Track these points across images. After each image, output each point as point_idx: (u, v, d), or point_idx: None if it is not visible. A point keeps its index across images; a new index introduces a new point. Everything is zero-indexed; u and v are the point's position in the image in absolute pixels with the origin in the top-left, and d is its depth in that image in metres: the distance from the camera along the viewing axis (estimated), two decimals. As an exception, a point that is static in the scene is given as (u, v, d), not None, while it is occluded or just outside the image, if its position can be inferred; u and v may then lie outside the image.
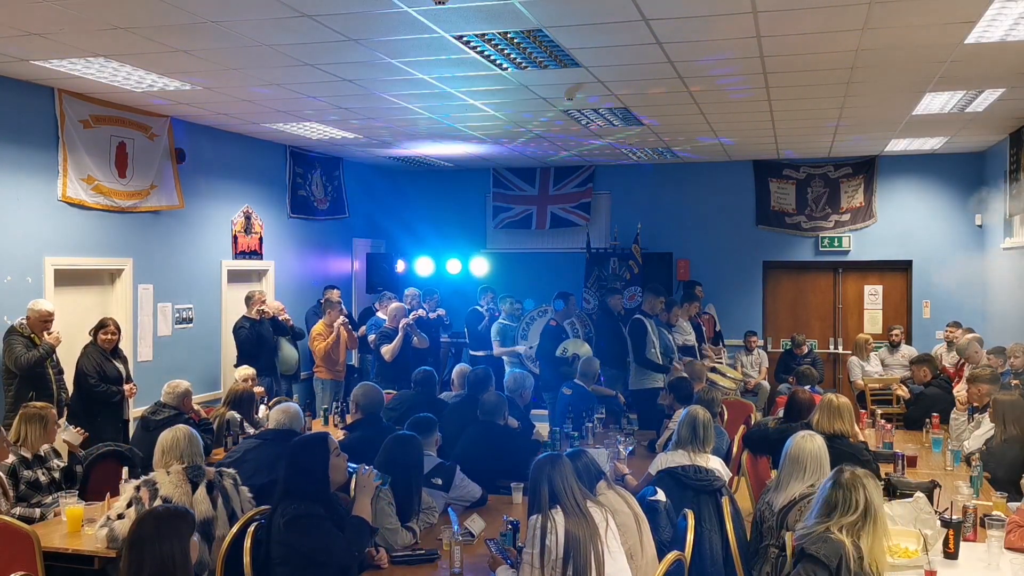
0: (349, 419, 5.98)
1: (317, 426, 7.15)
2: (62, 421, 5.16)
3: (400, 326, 8.40)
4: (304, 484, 3.73)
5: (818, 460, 4.04)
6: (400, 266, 11.45)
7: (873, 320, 11.25)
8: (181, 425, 4.48)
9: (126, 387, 6.69)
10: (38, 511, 4.67)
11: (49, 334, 6.27)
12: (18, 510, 4.60)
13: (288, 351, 8.93)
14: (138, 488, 4.10)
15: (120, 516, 4.08)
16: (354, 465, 4.08)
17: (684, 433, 4.74)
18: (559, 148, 10.13)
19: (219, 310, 8.95)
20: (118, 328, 6.75)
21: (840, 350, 11.27)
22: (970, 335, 8.61)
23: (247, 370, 7.12)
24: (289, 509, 3.63)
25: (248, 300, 8.43)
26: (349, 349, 9.01)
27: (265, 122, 8.43)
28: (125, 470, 4.90)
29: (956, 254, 10.71)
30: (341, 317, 8.81)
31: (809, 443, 4.08)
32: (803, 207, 11.20)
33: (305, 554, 3.59)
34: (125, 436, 6.68)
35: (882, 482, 4.34)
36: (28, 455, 4.85)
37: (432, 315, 9.82)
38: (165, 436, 4.27)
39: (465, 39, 5.40)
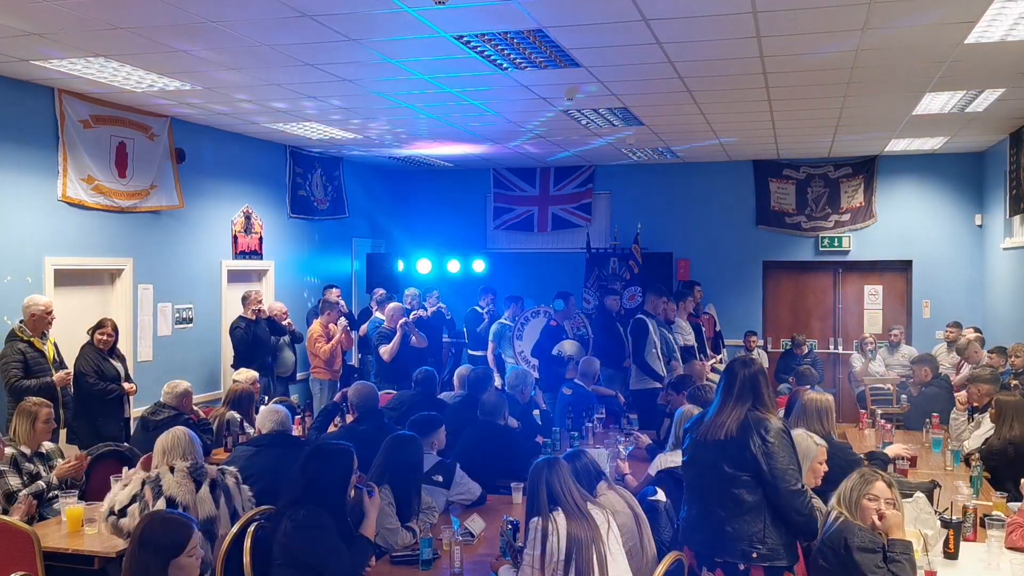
0: (349, 418, 5.98)
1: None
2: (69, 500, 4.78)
3: (398, 326, 8.39)
4: (323, 491, 3.73)
5: (805, 459, 4.04)
6: (400, 266, 11.45)
7: (873, 320, 11.25)
8: (179, 426, 4.48)
9: (126, 385, 6.69)
10: (42, 483, 4.73)
11: (64, 371, 6.26)
12: (23, 491, 4.64)
13: (287, 353, 8.94)
14: (143, 483, 4.09)
15: (123, 512, 4.07)
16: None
17: (682, 433, 4.73)
18: (559, 148, 10.13)
19: (219, 310, 8.95)
20: (115, 328, 6.73)
21: (840, 350, 11.27)
22: (973, 335, 8.60)
23: (251, 373, 7.11)
24: (299, 515, 3.61)
25: (244, 300, 8.43)
26: (345, 350, 9.02)
27: (265, 122, 8.43)
28: (125, 470, 4.89)
29: (956, 254, 10.71)
30: (342, 320, 8.82)
31: (803, 441, 4.06)
32: (803, 207, 11.20)
33: (306, 563, 3.59)
34: (127, 435, 6.67)
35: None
36: (27, 451, 4.86)
37: (432, 309, 9.81)
38: (164, 438, 4.26)
39: (465, 39, 5.40)
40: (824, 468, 4.08)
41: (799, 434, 4.11)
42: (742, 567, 3.47)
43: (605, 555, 3.36)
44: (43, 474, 4.85)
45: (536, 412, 7.10)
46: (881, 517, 3.37)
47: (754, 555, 3.44)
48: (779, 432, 3.47)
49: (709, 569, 3.60)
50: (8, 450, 4.76)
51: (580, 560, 3.31)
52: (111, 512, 4.11)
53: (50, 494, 4.79)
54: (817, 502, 3.76)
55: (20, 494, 4.62)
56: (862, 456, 4.93)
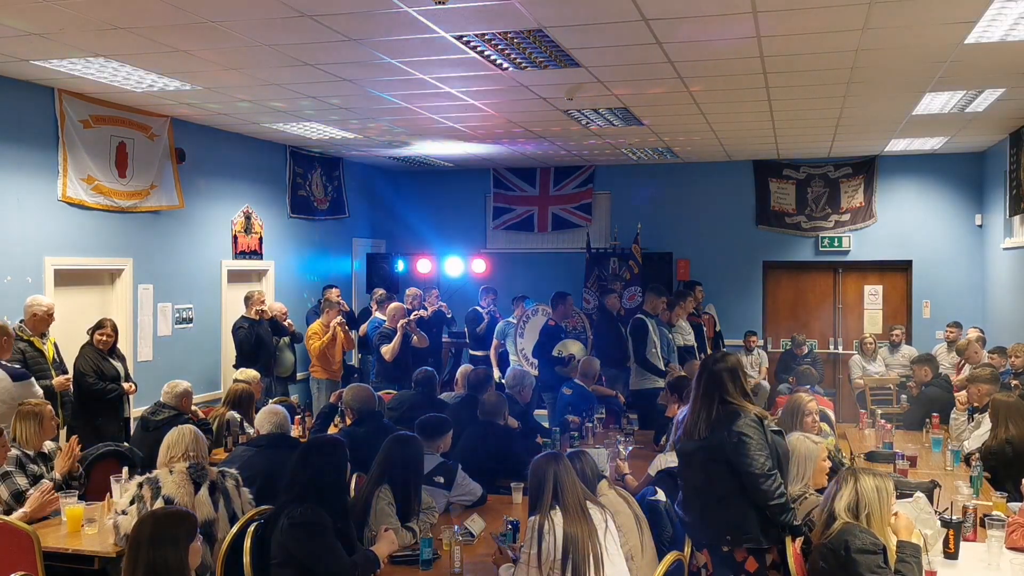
0: (348, 420, 5.98)
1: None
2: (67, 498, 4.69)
3: (399, 326, 8.39)
4: (326, 485, 3.74)
5: (809, 461, 4.04)
6: (400, 266, 11.45)
7: (873, 320, 11.25)
8: (188, 424, 4.51)
9: (126, 385, 6.69)
10: (47, 482, 4.69)
11: (64, 376, 6.29)
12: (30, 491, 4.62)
13: (286, 354, 8.95)
14: (141, 485, 4.11)
15: (123, 512, 4.08)
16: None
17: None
18: (559, 148, 10.13)
19: (219, 310, 8.95)
20: (115, 329, 6.73)
21: (840, 350, 11.27)
22: (975, 334, 8.60)
23: (254, 372, 7.10)
24: (296, 512, 3.62)
25: (247, 300, 8.43)
26: (346, 350, 9.01)
27: (265, 122, 8.43)
28: (125, 470, 4.90)
29: (956, 254, 10.71)
30: (338, 316, 8.81)
31: (801, 444, 4.07)
32: (803, 207, 11.20)
33: (302, 561, 3.59)
34: (126, 435, 6.68)
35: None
36: (30, 452, 4.86)
37: (432, 308, 9.81)
38: (171, 434, 4.30)
39: (465, 39, 5.40)
40: (828, 464, 4.11)
41: (796, 437, 4.11)
42: (725, 549, 3.73)
43: (601, 554, 3.36)
44: (46, 475, 4.85)
45: (543, 411, 7.08)
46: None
47: (728, 536, 3.68)
48: (747, 423, 3.66)
49: (698, 550, 3.87)
50: (12, 451, 4.76)
51: (576, 558, 3.31)
52: (115, 513, 4.13)
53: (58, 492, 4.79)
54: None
55: (29, 492, 4.60)
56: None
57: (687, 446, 3.86)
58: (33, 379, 5.81)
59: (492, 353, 9.93)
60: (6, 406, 5.35)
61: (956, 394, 6.86)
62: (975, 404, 6.27)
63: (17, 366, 5.80)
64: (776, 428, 3.86)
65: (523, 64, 6.02)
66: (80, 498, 4.62)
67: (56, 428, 5.18)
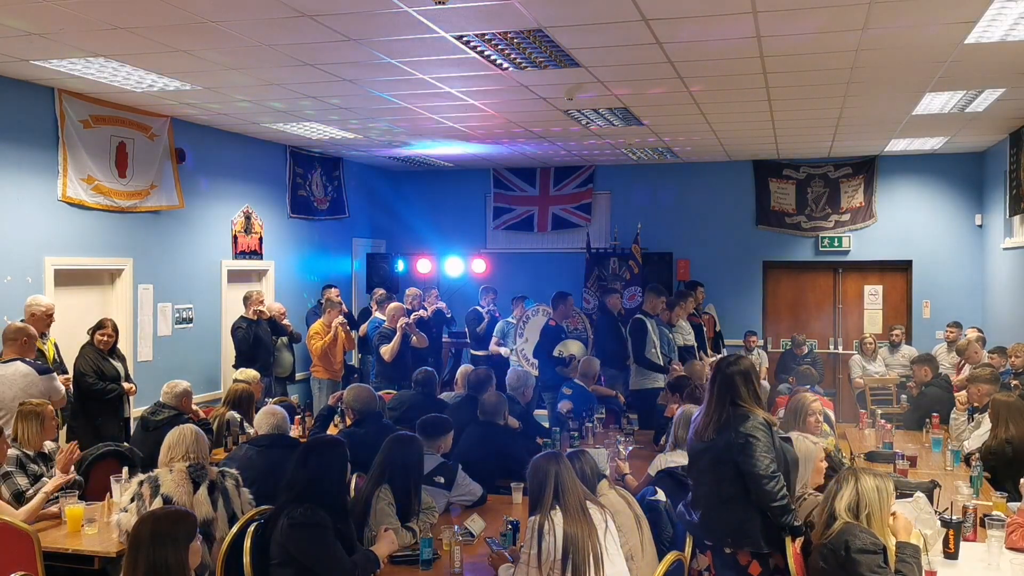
0: (348, 420, 5.98)
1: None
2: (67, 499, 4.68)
3: (398, 326, 8.39)
4: (325, 485, 3.74)
5: (807, 461, 4.05)
6: (400, 266, 11.44)
7: (873, 320, 11.25)
8: (189, 424, 4.51)
9: (126, 385, 6.69)
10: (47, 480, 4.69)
11: (65, 375, 6.28)
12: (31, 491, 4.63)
13: (285, 354, 8.95)
14: (141, 483, 4.12)
15: (124, 510, 4.10)
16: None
17: (681, 433, 4.74)
18: (559, 148, 10.13)
19: (219, 310, 8.95)
20: (115, 329, 6.73)
21: (840, 350, 11.27)
22: (975, 334, 8.60)
23: (254, 372, 7.10)
24: (296, 512, 3.62)
25: (246, 300, 8.42)
26: (347, 350, 9.01)
27: (265, 122, 8.43)
28: (125, 470, 4.90)
29: (956, 254, 10.71)
30: (339, 316, 8.81)
31: (800, 444, 4.07)
32: (803, 207, 11.20)
33: (302, 561, 3.59)
34: (126, 435, 6.67)
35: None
36: (30, 451, 4.86)
37: (432, 308, 9.81)
38: (172, 434, 4.32)
39: (465, 39, 5.40)
40: (825, 465, 4.13)
41: (795, 436, 4.11)
42: (728, 551, 3.75)
43: (601, 555, 3.36)
44: (46, 475, 4.85)
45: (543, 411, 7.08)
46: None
47: (729, 540, 3.70)
48: (755, 425, 3.69)
49: (701, 552, 3.89)
50: (11, 451, 4.76)
51: (576, 558, 3.31)
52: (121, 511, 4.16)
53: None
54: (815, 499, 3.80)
55: (29, 492, 4.60)
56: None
57: (695, 447, 3.89)
58: (55, 374, 5.87)
59: (492, 348, 9.93)
60: None
61: (956, 394, 6.86)
62: (975, 404, 6.27)
63: (39, 362, 5.84)
64: (785, 435, 3.88)
65: (523, 64, 6.02)
66: (80, 498, 4.63)
67: (56, 428, 5.18)
